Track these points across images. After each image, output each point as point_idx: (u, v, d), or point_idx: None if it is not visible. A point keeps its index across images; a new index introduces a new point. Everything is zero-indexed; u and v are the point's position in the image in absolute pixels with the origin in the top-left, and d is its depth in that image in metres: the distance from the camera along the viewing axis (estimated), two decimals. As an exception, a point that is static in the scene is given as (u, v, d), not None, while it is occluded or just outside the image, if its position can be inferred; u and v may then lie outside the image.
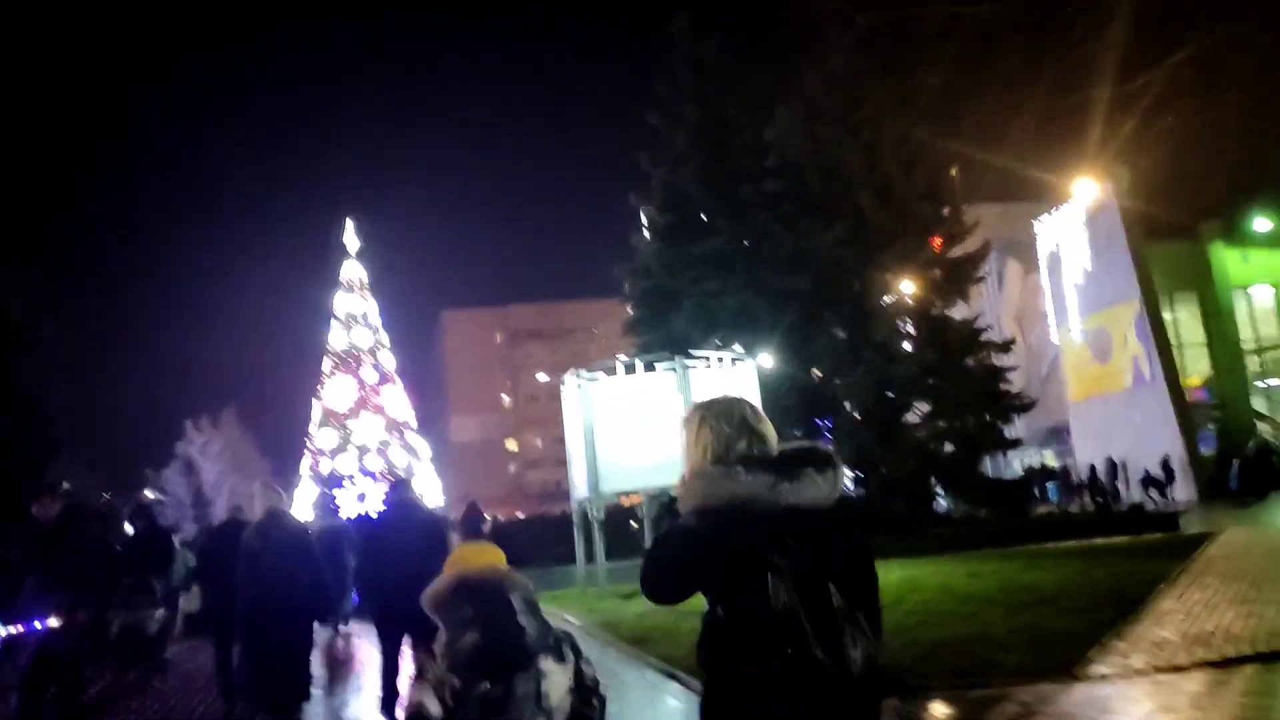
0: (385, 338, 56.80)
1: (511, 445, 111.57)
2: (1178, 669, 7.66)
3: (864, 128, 24.80)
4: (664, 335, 24.30)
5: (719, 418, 2.74)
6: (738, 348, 17.60)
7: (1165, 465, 32.90)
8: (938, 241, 24.40)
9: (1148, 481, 31.13)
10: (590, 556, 16.51)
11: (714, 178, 25.61)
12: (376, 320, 56.71)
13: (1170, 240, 36.98)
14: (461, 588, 3.01)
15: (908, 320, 24.48)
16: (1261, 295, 38.13)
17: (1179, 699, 6.93)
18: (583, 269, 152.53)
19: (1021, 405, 24.87)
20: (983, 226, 26.45)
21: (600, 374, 15.56)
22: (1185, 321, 37.69)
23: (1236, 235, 37.12)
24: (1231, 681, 7.29)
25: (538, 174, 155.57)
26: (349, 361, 55.02)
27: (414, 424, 55.75)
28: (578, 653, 3.05)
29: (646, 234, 26.88)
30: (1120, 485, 33.82)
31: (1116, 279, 35.94)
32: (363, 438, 52.70)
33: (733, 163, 25.89)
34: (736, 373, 16.23)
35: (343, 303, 56.12)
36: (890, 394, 24.08)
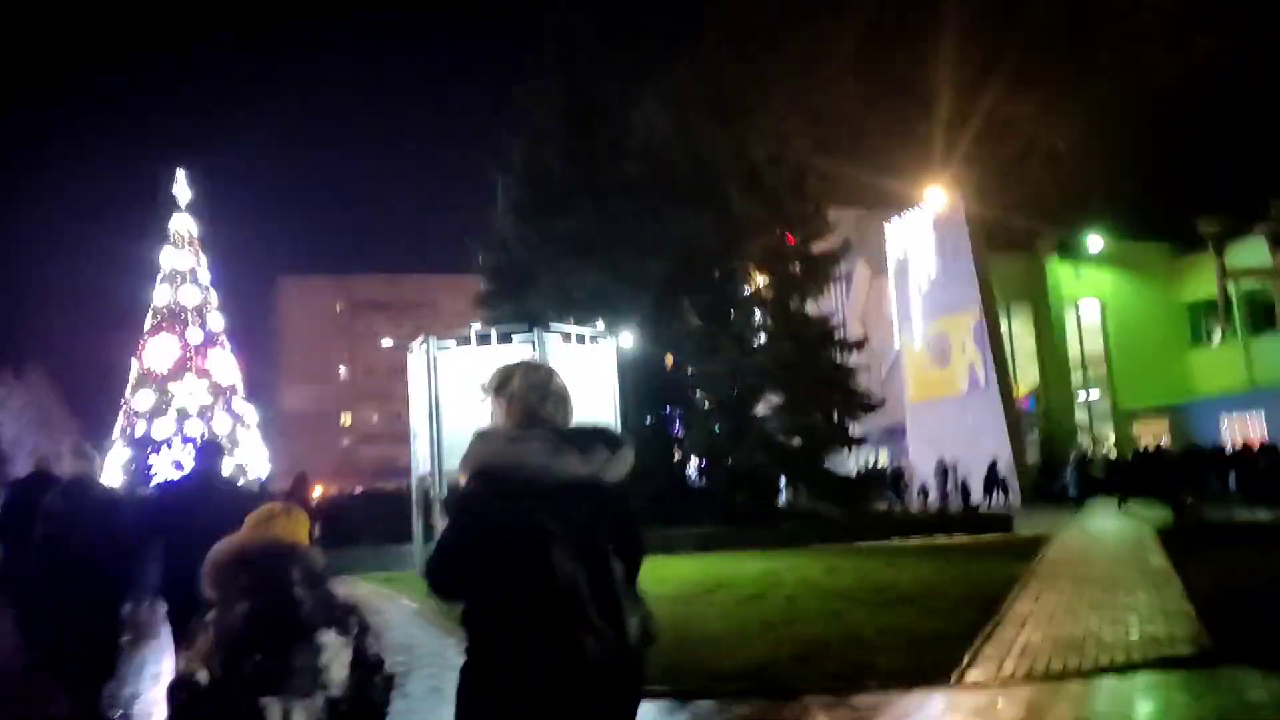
0: (214, 297, 53.61)
1: (346, 419, 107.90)
2: (1055, 676, 7.40)
3: (735, 118, 24.50)
4: (517, 312, 23.28)
5: (526, 380, 2.69)
6: (600, 324, 16.90)
7: (993, 469, 34.17)
8: (792, 239, 24.35)
9: (991, 483, 32.22)
10: (429, 536, 15.54)
11: (577, 155, 24.83)
12: (205, 278, 53.51)
13: (1009, 252, 38.38)
14: (238, 557, 2.98)
15: (765, 313, 24.34)
16: (1089, 310, 40.03)
17: (1063, 708, 6.64)
18: (431, 242, 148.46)
19: (870, 404, 25.14)
20: (837, 229, 26.64)
21: (451, 343, 14.54)
22: (1019, 332, 39.22)
23: (1070, 251, 38.84)
24: (1112, 690, 7.07)
25: (389, 140, 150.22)
26: (173, 320, 51.73)
27: (241, 389, 52.89)
28: (364, 629, 2.95)
29: (503, 208, 25.86)
30: (950, 488, 35.00)
31: (959, 287, 37.03)
32: (183, 401, 49.61)
33: (598, 141, 25.15)
34: (596, 350, 15.54)
35: (169, 258, 52.68)
36: (743, 385, 23.88)
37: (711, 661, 7.90)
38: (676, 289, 23.87)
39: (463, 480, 2.54)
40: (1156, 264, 39.97)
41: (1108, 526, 21.23)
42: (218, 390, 50.54)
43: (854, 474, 25.72)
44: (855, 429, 25.39)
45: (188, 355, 50.74)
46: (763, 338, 24.67)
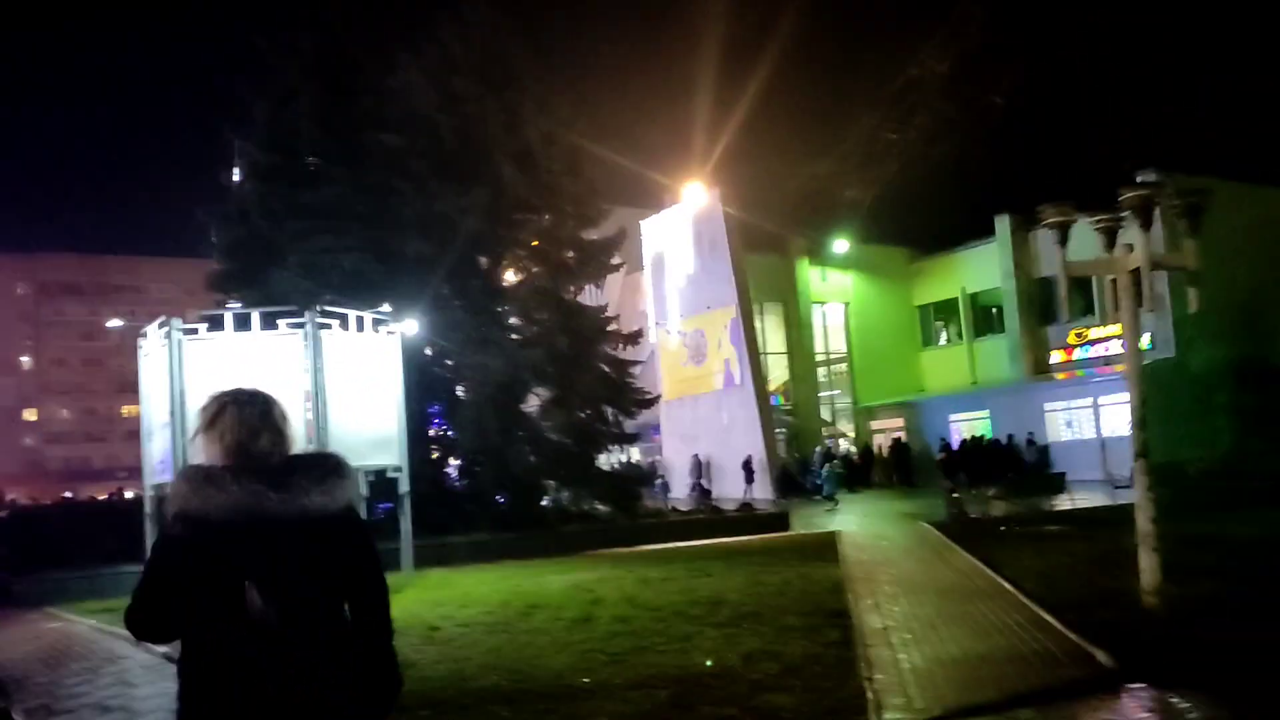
0: None
1: (30, 415, 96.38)
2: (978, 711, 6.42)
3: (506, 88, 22.79)
4: (261, 294, 20.57)
5: (239, 414, 2.62)
6: (385, 308, 14.72)
7: (747, 465, 34.43)
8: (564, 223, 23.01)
9: (748, 479, 32.30)
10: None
11: (330, 118, 22.23)
12: None
13: (763, 253, 38.93)
14: None
15: (538, 302, 22.81)
16: (834, 312, 41.34)
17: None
18: (136, 221, 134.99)
19: (645, 400, 24.21)
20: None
21: (200, 328, 11.96)
22: (770, 331, 39.87)
23: (819, 254, 39.95)
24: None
25: (87, 96, 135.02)
26: None
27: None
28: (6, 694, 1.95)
29: (243, 174, 22.85)
30: (705, 482, 35.01)
31: (716, 285, 37.10)
32: None
33: (355, 105, 22.67)
34: (378, 340, 13.46)
35: None
36: (514, 379, 22.26)
37: (586, 713, 6.35)
38: (442, 272, 21.86)
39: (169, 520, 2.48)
40: (894, 268, 41.88)
41: (880, 523, 21.34)
42: None
43: (619, 472, 24.68)
44: (628, 425, 24.39)
45: None
46: (533, 329, 23.13)
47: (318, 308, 12.37)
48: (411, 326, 17.20)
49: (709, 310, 37.58)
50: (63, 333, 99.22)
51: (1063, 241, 9.17)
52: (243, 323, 12.08)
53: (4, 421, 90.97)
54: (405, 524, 13.72)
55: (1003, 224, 38.08)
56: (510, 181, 22.12)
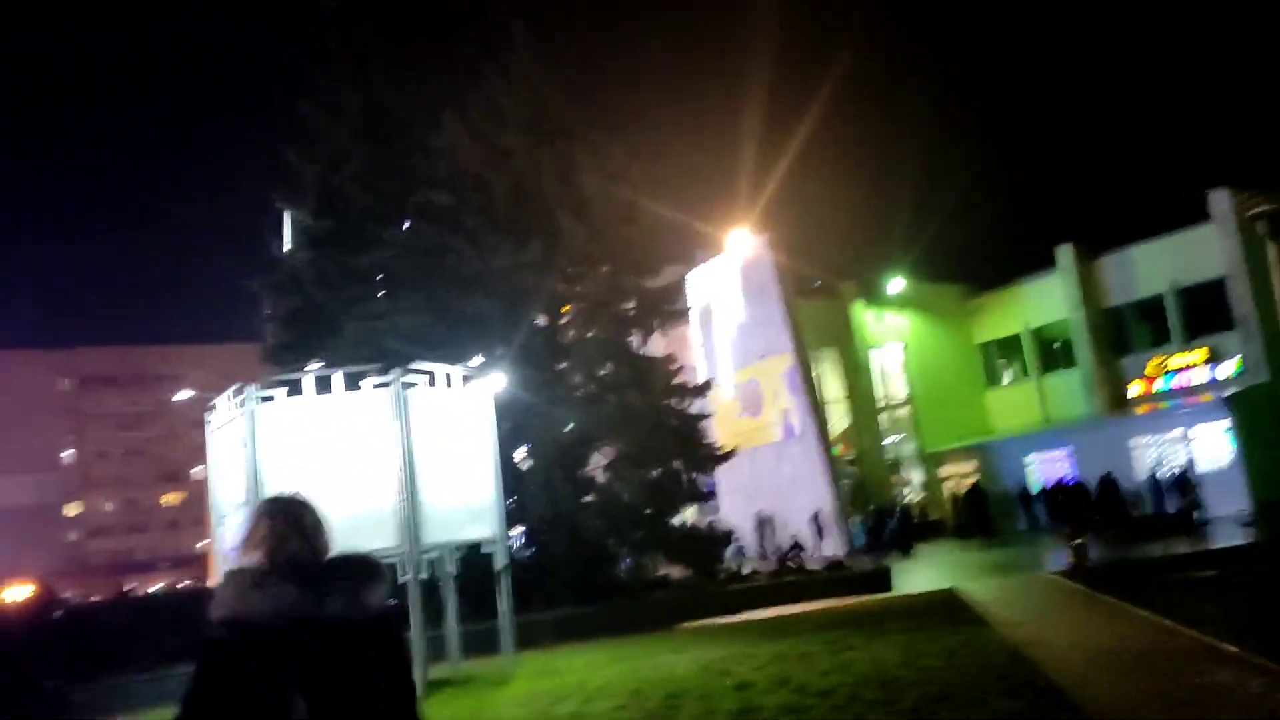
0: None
1: (73, 509, 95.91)
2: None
3: (557, 138, 21.88)
4: (318, 364, 19.62)
5: (275, 518, 2.71)
6: (478, 360, 13.56)
7: (816, 520, 32.83)
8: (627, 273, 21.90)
9: (820, 534, 30.73)
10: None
11: (381, 179, 21.39)
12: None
13: (814, 297, 37.73)
14: None
15: (603, 357, 21.62)
16: (891, 355, 39.94)
17: None
18: (172, 311, 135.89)
19: (720, 455, 22.82)
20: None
21: (279, 393, 10.76)
22: (826, 377, 38.48)
23: (873, 295, 38.67)
24: None
25: (124, 194, 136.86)
26: None
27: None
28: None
29: (296, 244, 21.97)
30: (768, 542, 33.39)
31: (769, 333, 35.84)
32: None
33: (404, 165, 21.82)
34: (468, 397, 12.25)
35: None
36: (583, 438, 21.01)
37: None
38: (502, 329, 20.75)
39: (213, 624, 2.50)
40: (950, 306, 40.50)
41: (987, 575, 19.72)
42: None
43: (696, 532, 23.18)
44: (703, 483, 23.00)
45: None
46: (599, 385, 21.90)
47: (404, 365, 11.18)
48: (500, 381, 15.94)
49: (762, 359, 36.26)
50: (103, 425, 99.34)
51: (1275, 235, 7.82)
52: (324, 384, 10.91)
53: (47, 518, 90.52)
54: (505, 604, 12.32)
55: (1065, 255, 36.78)
56: (567, 233, 21.09)
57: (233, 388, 10.81)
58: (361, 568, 2.59)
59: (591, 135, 22.06)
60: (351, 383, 11.06)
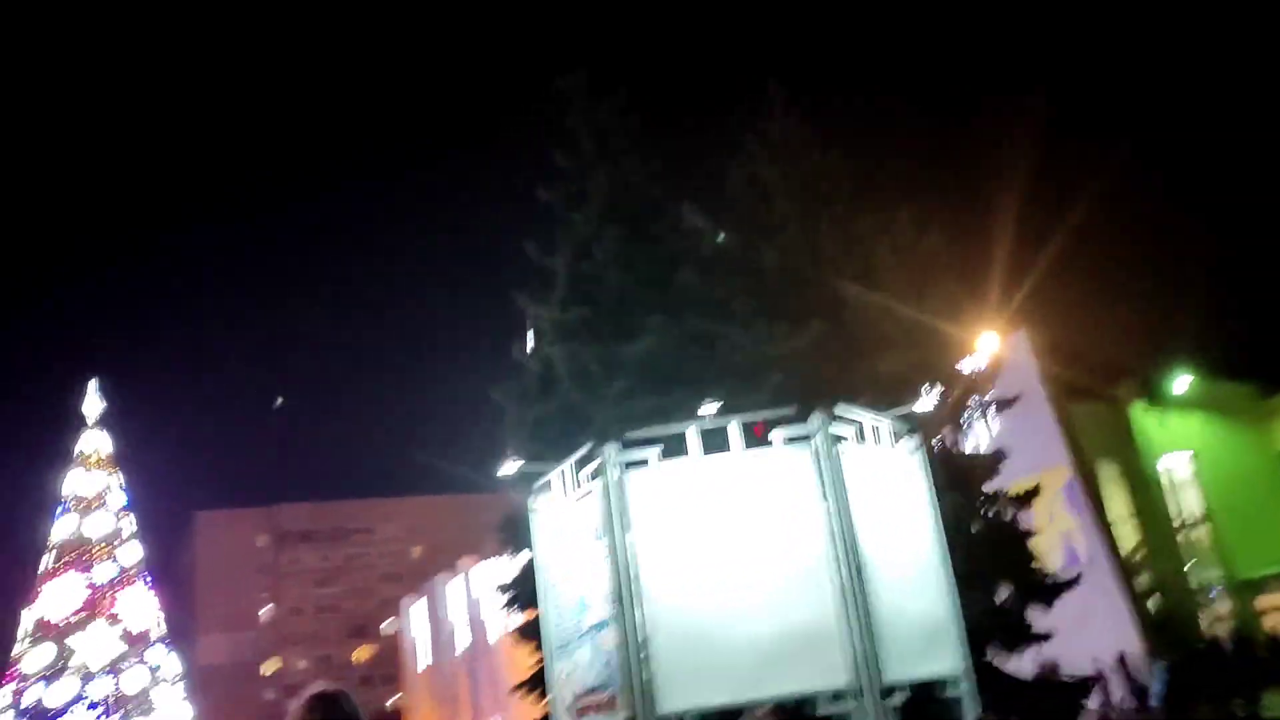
0: (129, 525, 45.23)
1: (269, 667, 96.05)
2: None
3: (832, 203, 18.94)
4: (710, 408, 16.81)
5: (328, 709, 3.30)
6: (906, 411, 10.30)
7: (1123, 666, 27.34)
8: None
9: (1135, 688, 25.29)
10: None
11: (636, 261, 18.85)
12: (119, 502, 45.25)
13: (1085, 401, 32.97)
14: None
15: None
16: (1180, 464, 34.41)
17: None
18: (361, 466, 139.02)
19: (1061, 583, 18.47)
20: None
21: (652, 453, 7.46)
22: (1106, 494, 33.25)
23: (1156, 397, 33.55)
24: None
25: (303, 356, 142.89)
26: (78, 557, 42.98)
27: (160, 633, 43.71)
28: None
29: (546, 339, 19.54)
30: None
31: (1036, 445, 31.11)
32: (87, 656, 40.23)
33: (657, 247, 19.26)
34: (897, 452, 8.90)
35: (76, 483, 44.54)
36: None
37: None
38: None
39: None
40: (1244, 406, 34.86)
41: None
42: (131, 638, 41.35)
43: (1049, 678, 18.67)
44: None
45: (95, 596, 41.82)
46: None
47: (830, 409, 7.87)
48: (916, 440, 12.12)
49: (1032, 475, 31.51)
50: (299, 581, 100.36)
51: None
52: (715, 438, 7.73)
53: (245, 676, 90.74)
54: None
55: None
56: (854, 308, 17.84)
57: (582, 451, 7.75)
58: None
59: (870, 196, 19.03)
60: (755, 435, 7.80)
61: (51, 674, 39.71)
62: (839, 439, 7.77)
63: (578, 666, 7.21)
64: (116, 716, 39.03)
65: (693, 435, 7.54)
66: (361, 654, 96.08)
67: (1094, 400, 33.00)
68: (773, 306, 18.31)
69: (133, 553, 44.42)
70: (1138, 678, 26.87)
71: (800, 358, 17.55)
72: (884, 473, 8.17)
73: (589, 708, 6.83)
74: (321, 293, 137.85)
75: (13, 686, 40.35)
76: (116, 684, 39.80)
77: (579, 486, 7.69)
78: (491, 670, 47.58)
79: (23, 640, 41.42)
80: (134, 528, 45.18)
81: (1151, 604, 32.06)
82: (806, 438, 7.68)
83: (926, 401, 17.75)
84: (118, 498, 45.08)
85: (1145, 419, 33.54)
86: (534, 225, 20.37)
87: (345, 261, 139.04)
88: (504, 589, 19.48)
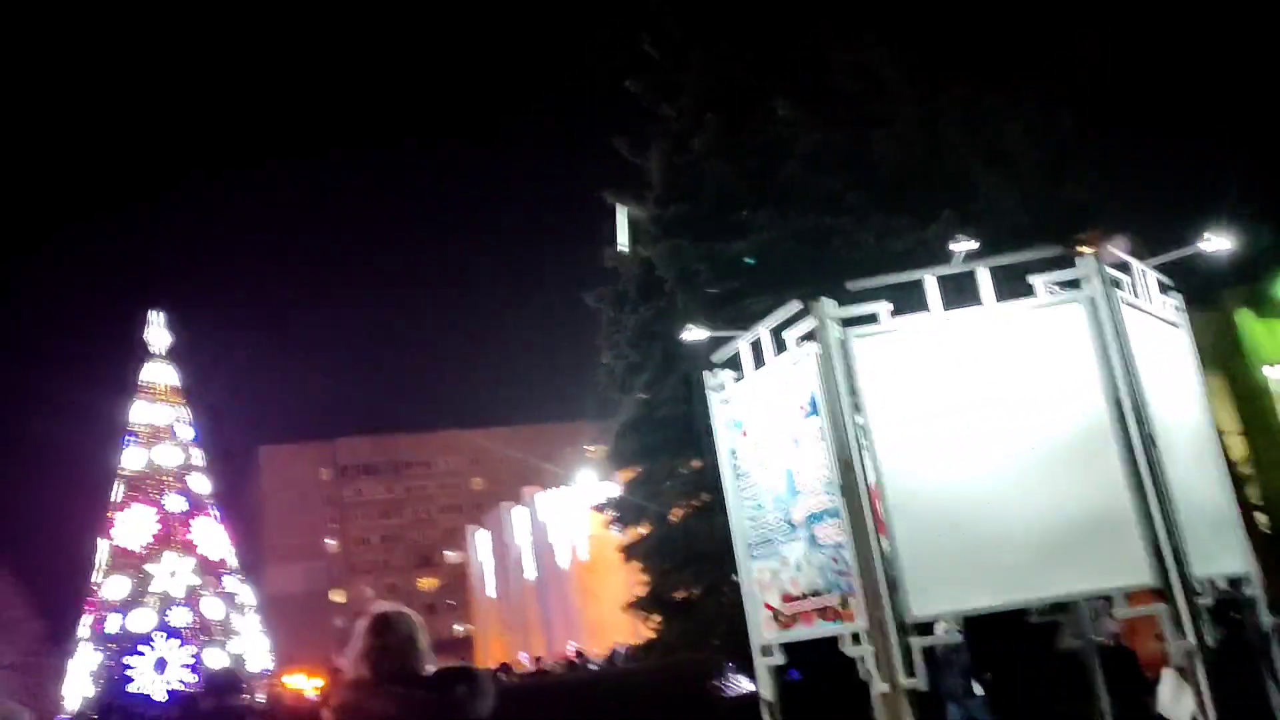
0: (198, 456, 45.15)
1: (338, 595, 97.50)
2: None
3: (956, 81, 17.30)
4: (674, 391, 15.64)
5: (395, 634, 3.10)
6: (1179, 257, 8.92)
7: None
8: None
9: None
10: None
11: (737, 154, 17.42)
12: (187, 434, 45.12)
13: (1190, 307, 31.03)
14: None
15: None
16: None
17: None
18: (418, 399, 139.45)
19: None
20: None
21: (880, 308, 5.94)
22: (1213, 405, 31.46)
23: (1263, 303, 31.51)
24: None
25: (365, 293, 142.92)
26: (148, 487, 43.00)
27: (234, 565, 43.80)
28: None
29: (624, 244, 18.25)
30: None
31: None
32: (165, 584, 40.38)
33: (760, 138, 17.77)
34: (1165, 310, 7.55)
35: (142, 413, 44.40)
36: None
37: None
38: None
39: None
40: (1361, 311, 32.69)
41: None
42: (207, 566, 41.44)
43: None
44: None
45: (168, 527, 41.88)
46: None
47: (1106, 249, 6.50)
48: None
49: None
50: (363, 512, 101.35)
51: None
52: (962, 285, 6.39)
53: (316, 604, 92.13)
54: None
55: None
56: (989, 194, 16.29)
57: (786, 311, 6.49)
58: (469, 675, 3.04)
59: (1003, 74, 17.31)
60: (1010, 279, 6.48)
61: (129, 602, 39.94)
62: (1117, 284, 6.45)
63: (786, 565, 6.05)
64: (195, 645, 39.19)
65: (931, 285, 6.25)
66: (427, 583, 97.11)
67: (1191, 308, 31.05)
68: (890, 199, 16.82)
69: (202, 484, 44.37)
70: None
71: (928, 253, 16.07)
72: (1154, 333, 6.87)
73: (808, 613, 5.69)
74: (385, 220, 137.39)
75: (91, 618, 40.63)
76: (196, 612, 39.89)
77: (779, 355, 6.46)
78: (563, 597, 47.24)
79: (100, 568, 41.67)
80: (203, 460, 45.09)
81: (1260, 519, 30.50)
82: (1076, 283, 6.36)
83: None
84: (185, 430, 44.92)
85: (1254, 327, 31.58)
86: (620, 120, 18.96)
87: (408, 182, 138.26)
88: (603, 507, 18.50)
